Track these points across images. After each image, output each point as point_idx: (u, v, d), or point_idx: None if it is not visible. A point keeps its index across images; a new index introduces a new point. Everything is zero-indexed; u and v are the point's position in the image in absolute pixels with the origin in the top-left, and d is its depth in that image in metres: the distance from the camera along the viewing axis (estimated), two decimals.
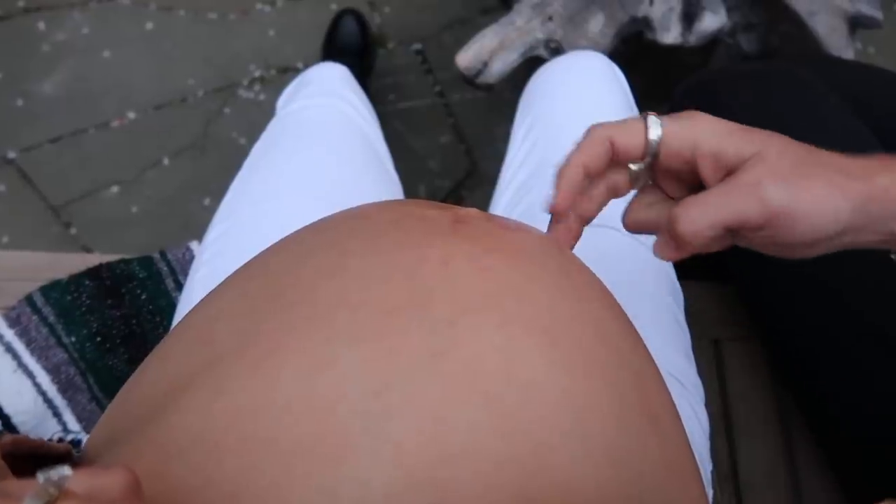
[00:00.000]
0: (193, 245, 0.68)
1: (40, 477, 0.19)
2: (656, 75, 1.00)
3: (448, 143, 1.23)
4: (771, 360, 0.63)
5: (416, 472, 0.23)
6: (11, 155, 1.20)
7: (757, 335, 0.63)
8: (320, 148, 0.60)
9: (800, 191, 0.31)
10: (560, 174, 0.34)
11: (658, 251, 0.35)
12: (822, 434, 0.58)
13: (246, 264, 0.34)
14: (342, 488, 0.22)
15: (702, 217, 0.32)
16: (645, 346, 0.32)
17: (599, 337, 0.29)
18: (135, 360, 0.63)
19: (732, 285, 0.65)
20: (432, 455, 0.23)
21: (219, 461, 0.24)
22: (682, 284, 0.55)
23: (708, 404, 0.50)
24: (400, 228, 0.31)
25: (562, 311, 0.29)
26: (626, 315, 0.33)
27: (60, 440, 0.29)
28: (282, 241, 0.34)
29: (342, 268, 0.29)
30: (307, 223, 0.36)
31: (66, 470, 0.19)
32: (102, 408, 0.62)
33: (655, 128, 0.33)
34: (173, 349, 0.31)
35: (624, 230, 0.54)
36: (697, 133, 0.33)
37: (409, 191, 1.11)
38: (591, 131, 0.34)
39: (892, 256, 0.38)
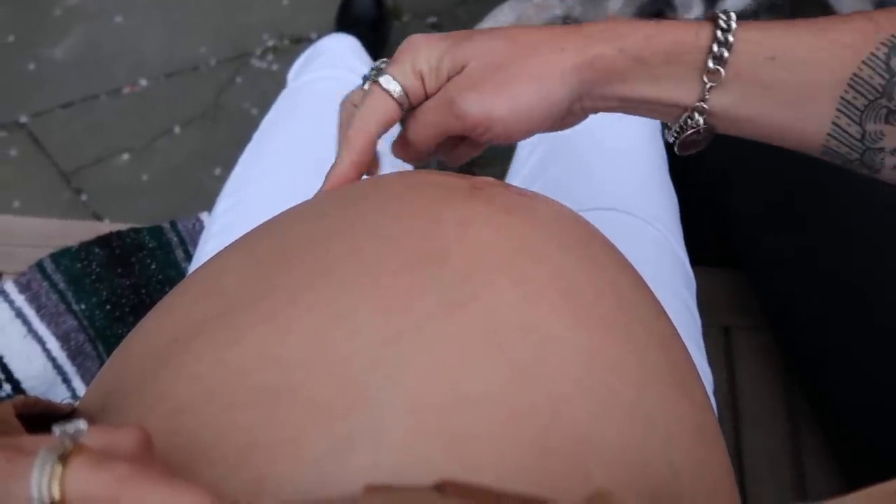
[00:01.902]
0: (203, 216, 0.68)
1: (56, 430, 0.19)
2: None
3: None
4: (780, 349, 0.62)
5: (430, 421, 0.23)
6: (23, 119, 1.20)
7: (767, 324, 0.62)
8: (330, 122, 0.59)
9: (494, 97, 0.34)
10: (336, 179, 0.35)
11: (392, 148, 0.38)
12: (829, 425, 0.58)
13: (254, 229, 0.34)
14: (357, 438, 0.22)
15: (420, 132, 0.36)
16: (668, 318, 0.32)
17: (618, 302, 0.29)
18: None
19: (744, 273, 0.64)
20: (446, 404, 0.23)
21: (232, 414, 0.23)
22: (694, 271, 0.55)
23: (715, 392, 0.50)
24: (416, 193, 0.31)
25: (579, 275, 0.28)
26: (647, 286, 0.33)
27: (70, 406, 0.29)
28: (293, 207, 0.34)
29: (356, 228, 0.29)
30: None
31: (81, 424, 0.19)
32: None
33: (394, 86, 0.35)
34: (178, 302, 0.30)
35: (636, 214, 0.53)
36: (421, 69, 0.35)
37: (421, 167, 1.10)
38: (351, 139, 0.35)
39: (667, 135, 0.38)
